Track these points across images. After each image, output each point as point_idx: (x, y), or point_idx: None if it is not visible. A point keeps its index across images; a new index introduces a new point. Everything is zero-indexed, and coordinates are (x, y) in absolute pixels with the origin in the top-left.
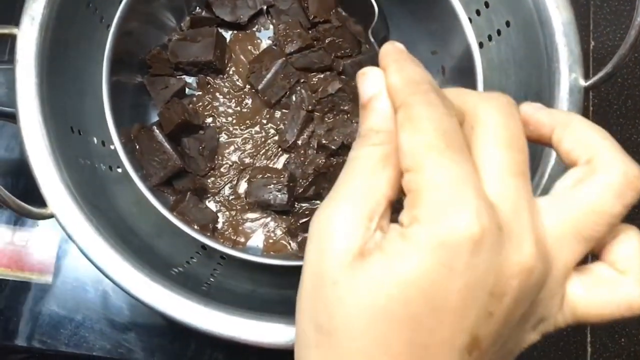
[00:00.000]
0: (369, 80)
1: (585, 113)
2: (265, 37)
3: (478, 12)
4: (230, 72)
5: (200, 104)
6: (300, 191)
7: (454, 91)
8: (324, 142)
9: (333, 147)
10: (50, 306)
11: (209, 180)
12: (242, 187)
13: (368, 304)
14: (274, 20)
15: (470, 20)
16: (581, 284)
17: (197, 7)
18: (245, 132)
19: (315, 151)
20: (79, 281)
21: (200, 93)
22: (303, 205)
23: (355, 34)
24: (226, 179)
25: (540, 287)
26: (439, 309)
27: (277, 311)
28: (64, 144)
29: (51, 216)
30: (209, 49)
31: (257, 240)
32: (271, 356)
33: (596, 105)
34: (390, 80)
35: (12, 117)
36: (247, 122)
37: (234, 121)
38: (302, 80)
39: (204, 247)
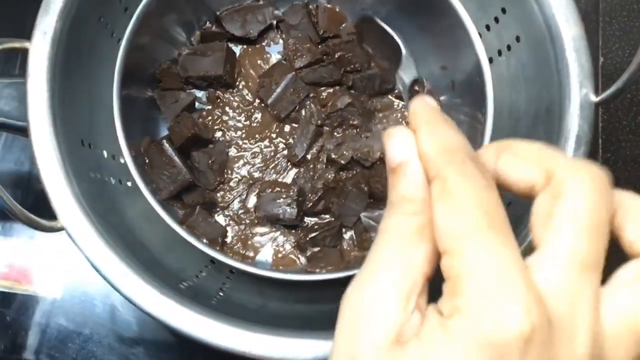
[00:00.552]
0: (398, 143)
1: (594, 122)
2: (275, 52)
3: (488, 27)
4: (240, 87)
5: (210, 118)
6: (309, 205)
7: (539, 146)
8: (333, 156)
9: (342, 161)
10: (58, 320)
11: (218, 194)
12: (252, 201)
13: None
14: (283, 35)
15: (480, 35)
16: None
17: (207, 22)
18: (254, 146)
19: (324, 166)
20: (87, 295)
21: (210, 107)
22: (312, 219)
23: (383, 71)
24: (235, 193)
25: None
26: None
27: (288, 326)
28: (75, 157)
29: (61, 229)
30: (219, 63)
31: (266, 254)
32: None
33: (605, 122)
34: (423, 146)
35: (24, 131)
36: (257, 136)
37: (244, 135)
38: (311, 95)
39: (213, 260)
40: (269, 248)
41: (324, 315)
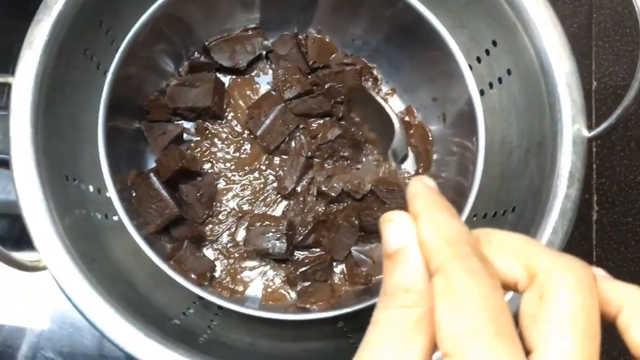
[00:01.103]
0: (396, 229)
1: (587, 155)
2: (264, 82)
3: (479, 60)
4: (229, 118)
5: (199, 149)
6: (299, 239)
7: (519, 241)
8: (323, 189)
9: (333, 194)
10: (45, 352)
11: (206, 228)
12: (241, 234)
13: None
14: (273, 65)
15: (471, 67)
16: None
17: (196, 52)
18: (243, 178)
19: (314, 198)
20: (75, 327)
21: (198, 138)
22: (302, 253)
23: (368, 142)
24: (224, 226)
25: None
26: None
27: None
28: (59, 193)
29: (44, 268)
30: (207, 94)
31: (255, 289)
32: None
33: (599, 146)
34: (424, 235)
35: (7, 165)
36: (246, 168)
37: (233, 167)
38: (301, 126)
39: (200, 297)
40: (259, 282)
41: (311, 355)
